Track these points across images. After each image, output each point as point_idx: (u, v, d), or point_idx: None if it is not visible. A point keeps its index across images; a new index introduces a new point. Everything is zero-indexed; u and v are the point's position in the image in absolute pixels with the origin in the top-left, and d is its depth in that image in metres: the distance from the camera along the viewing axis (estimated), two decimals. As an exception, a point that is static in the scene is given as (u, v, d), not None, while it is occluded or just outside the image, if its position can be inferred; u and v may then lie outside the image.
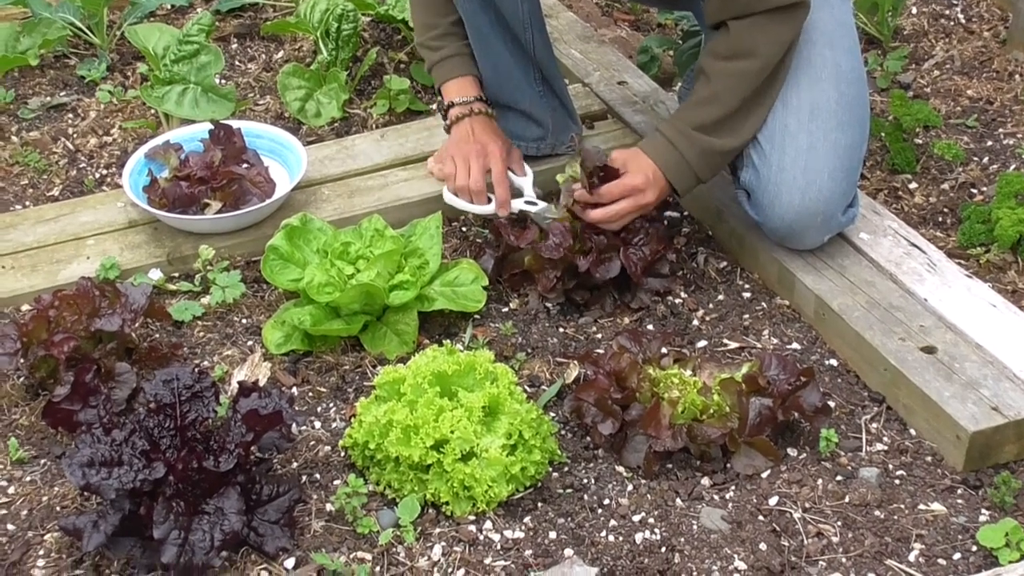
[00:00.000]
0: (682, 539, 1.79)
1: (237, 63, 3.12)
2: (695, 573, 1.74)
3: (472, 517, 1.83)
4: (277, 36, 3.19)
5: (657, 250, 2.21)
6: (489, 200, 2.33)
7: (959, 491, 1.86)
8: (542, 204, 2.32)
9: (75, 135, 2.86)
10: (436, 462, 1.82)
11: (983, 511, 1.82)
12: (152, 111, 2.86)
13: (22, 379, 2.11)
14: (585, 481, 1.90)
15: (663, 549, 1.77)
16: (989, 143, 2.68)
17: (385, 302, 2.14)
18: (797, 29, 2.11)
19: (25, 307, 2.26)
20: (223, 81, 2.99)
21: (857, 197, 2.25)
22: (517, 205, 2.32)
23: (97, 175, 2.72)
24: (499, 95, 2.47)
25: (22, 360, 2.06)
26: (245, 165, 2.46)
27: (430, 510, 1.84)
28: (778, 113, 2.16)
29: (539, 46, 2.41)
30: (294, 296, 2.24)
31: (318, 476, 1.92)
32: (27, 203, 2.64)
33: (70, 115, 2.94)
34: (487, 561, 1.77)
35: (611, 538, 1.80)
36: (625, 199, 2.17)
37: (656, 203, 2.21)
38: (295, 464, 1.94)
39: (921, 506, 1.83)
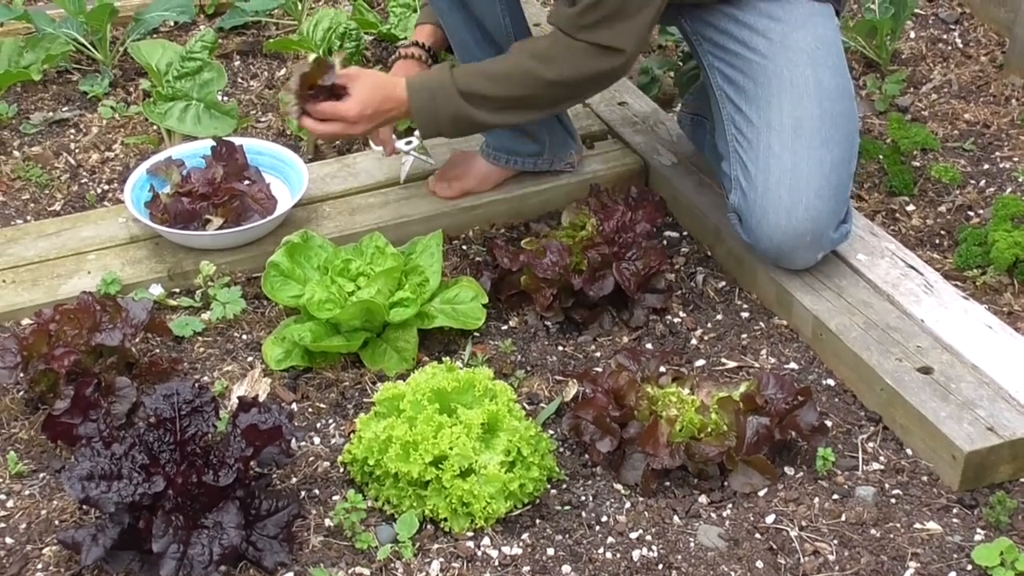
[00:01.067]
0: (679, 556, 1.80)
1: (240, 80, 3.13)
2: (692, 591, 1.75)
3: (470, 533, 1.83)
4: (280, 54, 3.21)
5: (651, 265, 2.22)
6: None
7: (955, 510, 1.87)
8: (416, 142, 2.45)
9: (77, 150, 2.87)
10: (435, 478, 1.83)
11: (978, 530, 1.83)
12: (154, 127, 2.87)
13: (22, 393, 2.11)
14: (583, 498, 1.90)
15: (660, 566, 1.78)
16: (986, 166, 2.70)
17: (385, 319, 2.15)
18: (606, 69, 2.17)
19: (26, 321, 2.27)
20: (225, 98, 3.01)
21: (850, 213, 2.26)
22: (399, 144, 2.44)
23: (99, 190, 2.73)
24: None
25: (22, 374, 2.07)
26: (247, 182, 2.47)
27: (428, 526, 1.85)
28: (762, 134, 2.17)
29: None
30: (294, 312, 2.25)
31: (317, 491, 1.93)
32: (28, 218, 2.65)
33: (72, 130, 2.95)
34: (485, 577, 1.78)
35: (608, 555, 1.80)
36: (334, 123, 2.24)
37: (360, 117, 2.23)
38: (294, 479, 1.95)
39: (917, 525, 1.84)
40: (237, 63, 3.21)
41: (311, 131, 2.28)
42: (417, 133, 2.45)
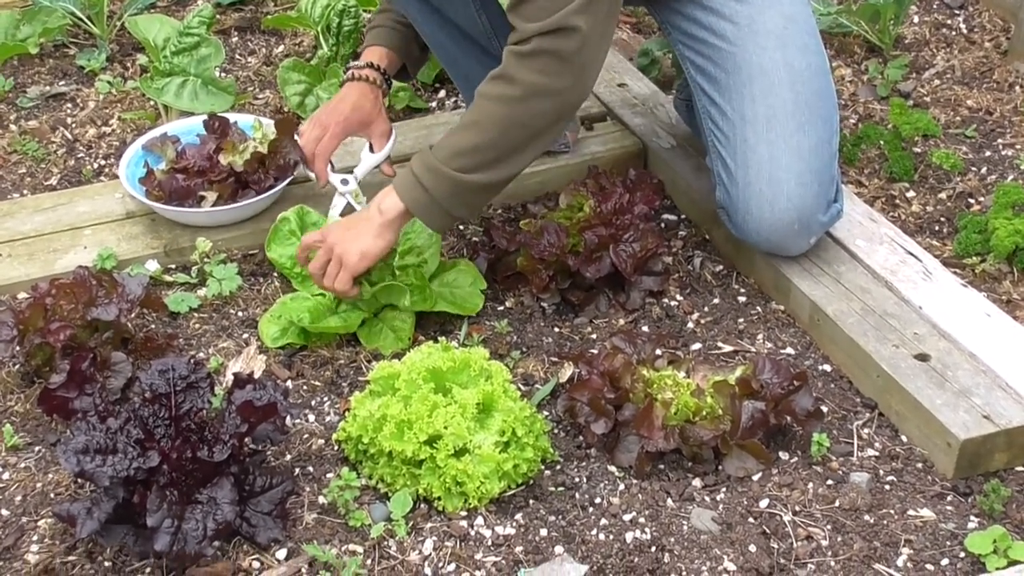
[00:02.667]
0: (672, 539, 1.80)
1: (237, 56, 3.12)
2: (684, 573, 1.75)
3: (464, 513, 1.83)
4: (278, 30, 3.20)
5: (648, 247, 2.21)
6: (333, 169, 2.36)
7: (949, 498, 1.87)
8: (352, 184, 2.33)
9: (74, 125, 2.86)
10: (429, 457, 1.82)
11: (972, 518, 1.83)
12: (151, 102, 2.86)
13: (18, 367, 2.11)
14: (577, 480, 1.90)
15: (653, 549, 1.78)
16: (987, 153, 2.69)
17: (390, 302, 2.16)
18: (569, 50, 1.95)
19: (22, 295, 2.27)
20: (223, 74, 3.00)
21: (840, 192, 2.24)
22: (332, 179, 2.34)
23: (95, 165, 2.72)
24: None
25: (18, 348, 2.07)
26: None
27: (422, 505, 1.85)
28: (737, 127, 2.14)
29: None
30: (291, 289, 2.25)
31: (311, 469, 1.93)
32: (25, 192, 2.64)
33: (69, 105, 2.94)
34: (478, 556, 1.77)
35: (602, 537, 1.80)
36: (324, 259, 2.10)
37: (345, 237, 2.08)
38: (288, 456, 1.95)
39: (910, 512, 1.84)
40: (235, 39, 3.19)
41: (335, 292, 2.12)
42: (355, 174, 2.35)
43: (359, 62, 2.36)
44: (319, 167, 2.33)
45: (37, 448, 1.98)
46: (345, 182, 2.34)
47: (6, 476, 1.93)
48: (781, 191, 2.11)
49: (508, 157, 2.04)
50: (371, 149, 2.38)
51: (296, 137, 2.36)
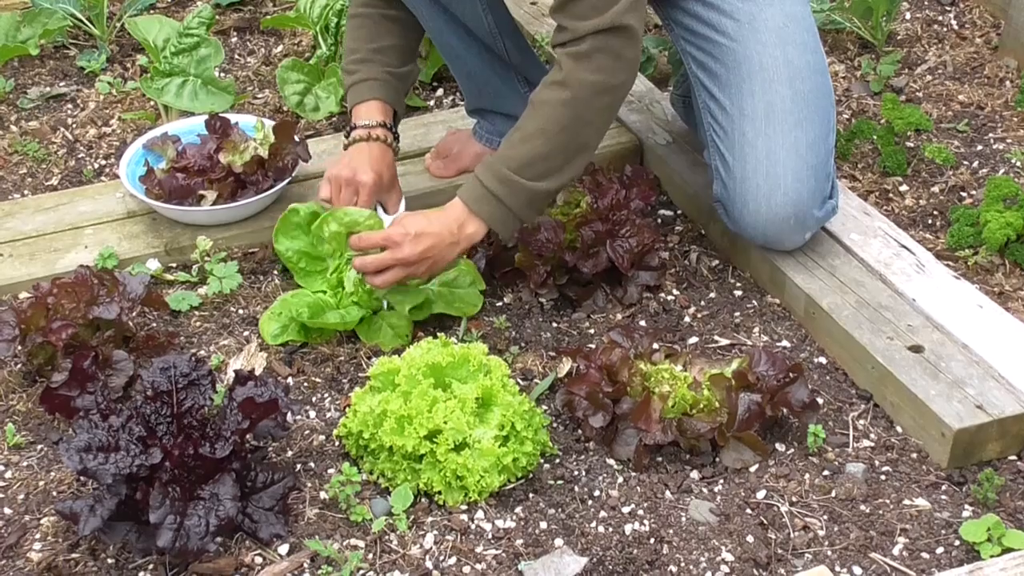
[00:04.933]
0: (671, 531, 1.82)
1: (236, 56, 3.14)
2: (683, 564, 1.76)
3: (464, 507, 1.85)
4: (276, 30, 3.22)
5: (645, 242, 2.23)
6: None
7: (943, 487, 1.89)
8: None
9: (74, 125, 2.88)
10: (429, 452, 1.84)
11: (966, 507, 1.85)
12: (151, 103, 2.88)
13: (20, 366, 2.13)
14: (576, 473, 1.92)
15: (652, 540, 1.80)
16: (979, 147, 2.71)
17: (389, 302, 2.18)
18: (620, 47, 2.00)
19: (24, 295, 2.28)
20: (222, 74, 3.01)
21: (835, 188, 2.26)
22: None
23: (96, 165, 2.74)
24: (480, 102, 2.50)
25: (20, 347, 2.08)
26: (243, 157, 2.48)
27: (423, 499, 1.87)
28: (735, 122, 2.16)
29: (514, 52, 2.42)
30: (291, 287, 2.27)
31: (312, 464, 1.94)
32: (26, 192, 2.65)
33: (69, 105, 2.96)
34: (478, 550, 1.79)
35: (601, 529, 1.82)
36: (393, 270, 2.08)
37: (422, 257, 2.07)
38: (290, 452, 1.97)
39: (906, 501, 1.86)
40: (234, 39, 3.21)
41: (361, 269, 2.12)
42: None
43: (369, 120, 2.28)
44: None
45: (39, 447, 1.99)
46: None
47: (8, 475, 1.94)
48: (778, 186, 2.13)
49: (575, 157, 2.09)
50: (384, 210, 2.31)
51: (321, 199, 2.27)
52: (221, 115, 2.52)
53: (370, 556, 1.78)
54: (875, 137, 2.65)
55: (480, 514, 1.85)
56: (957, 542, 1.79)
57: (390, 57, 2.31)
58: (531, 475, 1.90)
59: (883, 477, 1.91)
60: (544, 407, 2.03)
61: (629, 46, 2.03)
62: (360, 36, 2.32)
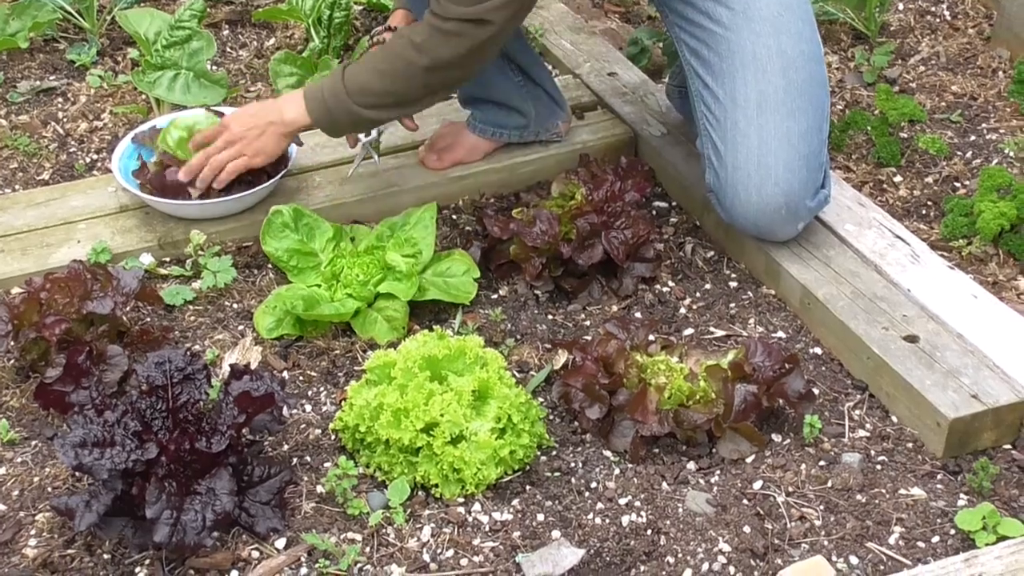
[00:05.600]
0: (668, 522, 1.82)
1: (228, 49, 3.13)
2: (680, 555, 1.77)
3: (461, 499, 1.85)
4: (269, 23, 3.20)
5: (640, 234, 2.23)
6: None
7: (939, 476, 1.89)
8: (374, 135, 2.41)
9: (65, 119, 2.86)
10: (426, 445, 1.84)
11: (962, 496, 1.85)
12: (143, 96, 2.87)
13: (13, 361, 2.12)
14: (573, 465, 1.92)
15: (649, 532, 1.80)
16: (972, 138, 2.72)
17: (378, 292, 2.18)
18: (478, 42, 2.12)
19: (16, 290, 2.27)
20: (214, 67, 3.00)
21: (828, 178, 2.25)
22: (362, 139, 2.42)
23: (87, 159, 2.73)
24: (472, 91, 2.49)
25: (13, 342, 2.07)
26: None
27: (419, 492, 1.86)
28: (728, 111, 2.16)
29: (508, 41, 2.41)
30: (286, 281, 2.26)
31: (309, 458, 1.94)
32: (17, 187, 2.64)
33: (60, 99, 2.94)
34: (475, 542, 1.79)
35: (598, 521, 1.82)
36: (217, 147, 2.29)
37: (244, 132, 2.28)
38: (286, 447, 1.96)
39: (902, 491, 1.87)
40: (226, 32, 3.20)
41: (218, 183, 2.32)
42: (377, 127, 2.42)
43: (380, 28, 2.46)
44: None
45: (34, 442, 1.99)
46: (367, 133, 2.42)
47: (3, 471, 1.94)
48: (769, 175, 2.13)
49: (403, 106, 2.27)
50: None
51: None
52: (216, 109, 2.51)
53: (367, 549, 1.78)
54: (869, 128, 2.65)
55: (477, 507, 1.85)
56: (953, 531, 1.80)
57: None
58: (528, 467, 1.90)
59: (879, 467, 1.91)
60: (540, 399, 2.03)
61: (488, 40, 2.14)
62: None
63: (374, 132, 2.42)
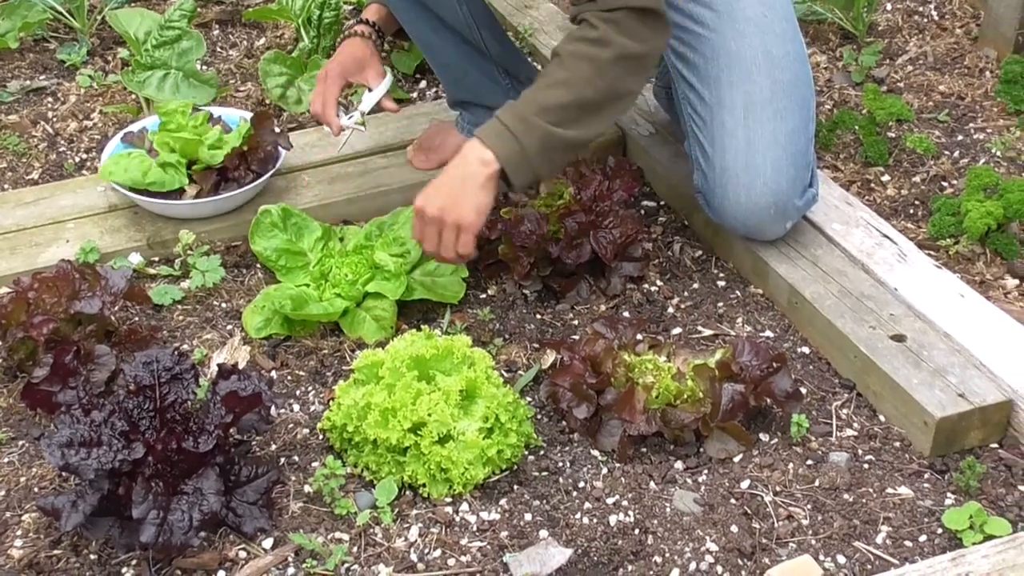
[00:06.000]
0: (655, 521, 1.82)
1: (219, 49, 3.12)
2: (668, 555, 1.77)
3: (449, 499, 1.85)
4: (259, 23, 3.20)
5: (628, 233, 2.23)
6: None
7: (926, 475, 1.90)
8: (356, 116, 2.38)
9: (55, 119, 2.86)
10: (413, 445, 1.84)
11: (949, 495, 1.86)
12: (133, 96, 2.86)
13: (0, 361, 2.12)
14: (560, 464, 1.92)
15: (636, 531, 1.80)
16: (960, 137, 2.72)
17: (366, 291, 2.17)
18: (656, 31, 2.02)
19: (4, 289, 2.26)
20: (204, 67, 3.00)
21: (815, 177, 2.26)
22: (345, 122, 2.37)
23: (77, 159, 2.72)
24: (460, 94, 2.49)
25: (0, 342, 2.07)
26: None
27: (407, 492, 1.86)
28: (715, 112, 2.16)
29: (492, 43, 2.41)
30: (274, 280, 2.26)
31: (296, 458, 1.94)
32: (6, 186, 2.64)
33: (50, 99, 2.94)
34: (463, 542, 1.79)
35: (585, 520, 1.82)
36: (430, 231, 2.04)
37: (445, 202, 2.02)
38: (274, 446, 1.96)
39: (889, 490, 1.87)
40: (216, 32, 3.19)
41: (443, 260, 2.10)
42: (359, 108, 2.39)
43: (353, 20, 2.44)
44: (328, 114, 2.35)
45: (21, 442, 1.98)
46: (350, 116, 2.38)
47: (-9, 470, 1.94)
48: (757, 176, 2.14)
49: (596, 114, 2.05)
50: (369, 89, 2.41)
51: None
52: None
53: (355, 549, 1.78)
54: (857, 127, 2.65)
55: (465, 506, 1.85)
56: (940, 530, 1.80)
57: None
58: (516, 467, 1.90)
59: (866, 466, 1.91)
60: (528, 399, 2.03)
61: (663, 16, 2.03)
62: None
63: (356, 113, 2.39)
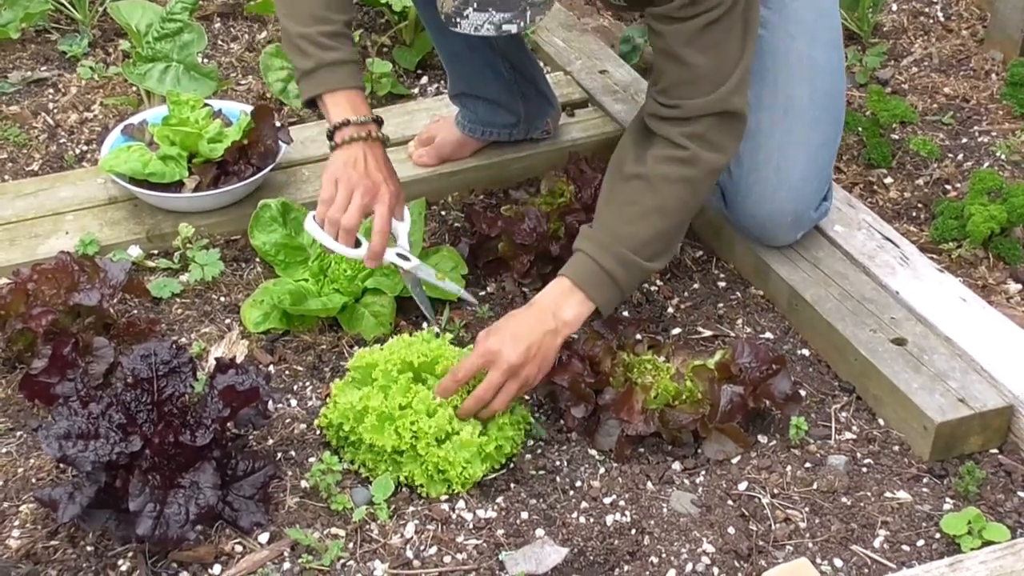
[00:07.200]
0: (652, 522, 1.81)
1: (220, 42, 3.12)
2: (664, 555, 1.76)
3: (445, 496, 1.85)
4: (260, 16, 3.19)
5: (630, 233, 2.22)
6: (358, 244, 2.02)
7: (925, 480, 1.89)
8: (414, 260, 2.07)
9: (56, 110, 2.85)
10: (410, 447, 1.83)
11: (947, 500, 1.85)
12: (134, 88, 2.86)
13: (-1, 352, 2.12)
14: (557, 463, 1.92)
15: (633, 531, 1.80)
16: (964, 140, 2.72)
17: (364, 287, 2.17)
18: (734, 141, 1.97)
19: (3, 280, 2.26)
20: (205, 60, 2.99)
21: (831, 191, 2.27)
22: (389, 257, 2.04)
23: (77, 151, 2.72)
24: (463, 86, 2.47)
25: (-1, 333, 2.07)
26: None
27: (404, 489, 1.86)
28: (753, 111, 2.14)
29: (500, 38, 2.40)
30: (273, 275, 2.26)
31: (293, 453, 1.93)
32: (6, 177, 2.63)
33: (51, 90, 2.93)
34: (459, 539, 1.79)
35: (582, 520, 1.82)
36: (495, 381, 1.83)
37: (527, 358, 1.84)
38: (271, 441, 1.96)
39: (887, 494, 1.86)
40: (217, 25, 3.19)
41: (470, 414, 1.86)
42: (401, 246, 2.07)
43: (362, 116, 2.02)
44: (378, 246, 2.00)
45: (19, 433, 1.98)
46: (405, 257, 2.06)
47: (-12, 461, 1.93)
48: (784, 181, 2.13)
49: (679, 237, 2.02)
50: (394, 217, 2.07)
51: (312, 218, 2.04)
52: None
53: (351, 545, 1.78)
54: (860, 129, 2.65)
55: (461, 504, 1.84)
56: (938, 535, 1.80)
57: (351, 31, 2.06)
58: (513, 465, 1.90)
59: (865, 469, 1.91)
60: (526, 397, 2.02)
61: (740, 130, 1.97)
62: (329, 4, 2.01)
63: (411, 256, 2.08)
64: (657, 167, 1.94)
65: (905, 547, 1.78)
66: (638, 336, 2.05)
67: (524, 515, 1.83)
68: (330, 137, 2.03)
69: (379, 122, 2.06)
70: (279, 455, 1.93)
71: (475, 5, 1.76)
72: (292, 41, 2.03)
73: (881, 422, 1.99)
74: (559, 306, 1.90)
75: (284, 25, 2.06)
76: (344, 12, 2.04)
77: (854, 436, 1.97)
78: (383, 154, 2.05)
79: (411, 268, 2.06)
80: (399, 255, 2.06)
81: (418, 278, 2.07)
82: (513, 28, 1.79)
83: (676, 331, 2.18)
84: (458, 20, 1.79)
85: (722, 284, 2.30)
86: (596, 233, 1.95)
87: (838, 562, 1.76)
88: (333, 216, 1.98)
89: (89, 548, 1.78)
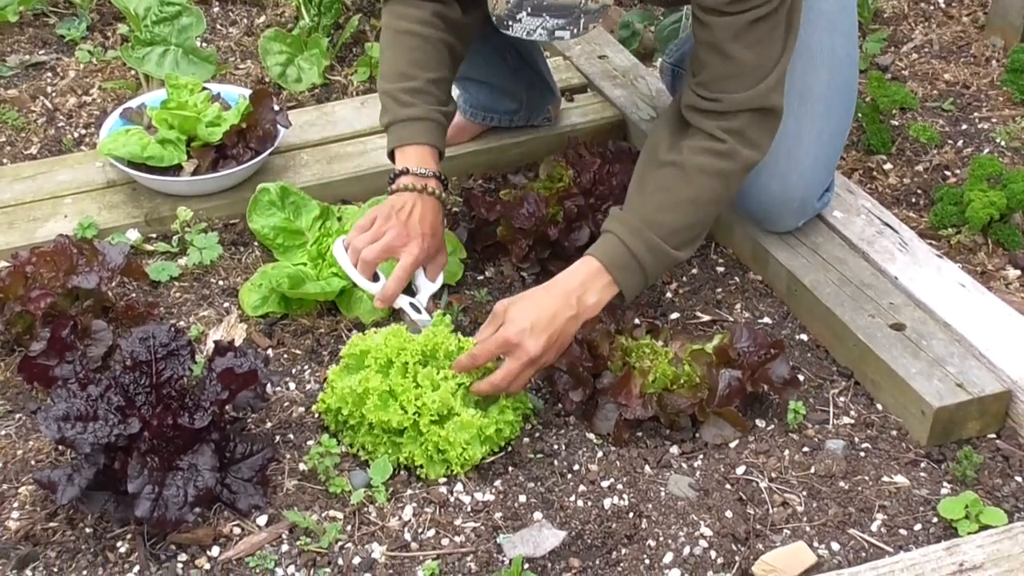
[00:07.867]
0: (649, 505, 1.82)
1: (219, 26, 3.11)
2: (661, 539, 1.77)
3: (444, 479, 1.85)
4: (259, 1, 3.19)
5: (628, 216, 2.22)
6: (376, 278, 2.06)
7: (922, 464, 1.89)
8: (426, 315, 2.05)
9: (54, 94, 2.85)
10: (412, 425, 1.83)
11: (945, 484, 1.86)
12: (132, 72, 2.85)
13: (-3, 334, 2.11)
14: (556, 447, 1.92)
15: (631, 515, 1.80)
16: (964, 127, 2.71)
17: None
18: (768, 139, 1.98)
19: (2, 263, 2.26)
20: (204, 44, 2.99)
21: (833, 183, 2.27)
22: (401, 303, 2.05)
23: (76, 134, 2.71)
24: (467, 70, 2.46)
25: (-2, 315, 2.07)
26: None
27: (402, 472, 1.86)
28: None
29: None
30: (272, 259, 2.26)
31: (292, 436, 1.94)
32: (4, 160, 2.63)
33: (49, 74, 2.93)
34: (457, 522, 1.79)
35: (580, 503, 1.82)
36: (510, 364, 1.84)
37: (547, 347, 1.84)
38: (269, 424, 1.96)
39: (885, 478, 1.87)
40: (216, 9, 3.18)
41: (486, 393, 1.87)
42: (420, 300, 2.07)
43: (424, 169, 2.05)
44: (390, 290, 2.03)
45: (18, 416, 1.98)
46: (418, 310, 2.07)
47: (-13, 443, 1.94)
48: (794, 167, 2.13)
49: (705, 230, 2.01)
50: (425, 274, 2.11)
51: (342, 241, 2.07)
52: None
53: (349, 528, 1.78)
54: (860, 115, 2.64)
55: (459, 487, 1.84)
56: (935, 519, 1.80)
57: (442, 92, 2.10)
58: (511, 448, 1.90)
59: (862, 454, 1.91)
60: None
61: (774, 127, 1.98)
62: (416, 60, 2.07)
63: (423, 311, 2.07)
64: (694, 157, 1.94)
65: (902, 531, 1.79)
66: (636, 320, 2.05)
67: (522, 498, 1.83)
68: (390, 182, 2.07)
69: (443, 181, 2.07)
70: (277, 438, 1.93)
71: (529, 9, 1.77)
72: (380, 97, 2.12)
73: (879, 407, 1.99)
74: (585, 289, 1.90)
75: (378, 82, 2.15)
76: (432, 70, 2.09)
77: (852, 421, 1.97)
78: (434, 212, 2.06)
79: (419, 321, 2.05)
80: (412, 305, 2.06)
81: (421, 331, 1.99)
82: (566, 35, 1.81)
83: (674, 316, 2.18)
84: (510, 23, 1.80)
85: (720, 269, 2.30)
86: (627, 216, 1.94)
87: (835, 546, 1.76)
88: (357, 245, 2.03)
89: (88, 530, 1.78)
